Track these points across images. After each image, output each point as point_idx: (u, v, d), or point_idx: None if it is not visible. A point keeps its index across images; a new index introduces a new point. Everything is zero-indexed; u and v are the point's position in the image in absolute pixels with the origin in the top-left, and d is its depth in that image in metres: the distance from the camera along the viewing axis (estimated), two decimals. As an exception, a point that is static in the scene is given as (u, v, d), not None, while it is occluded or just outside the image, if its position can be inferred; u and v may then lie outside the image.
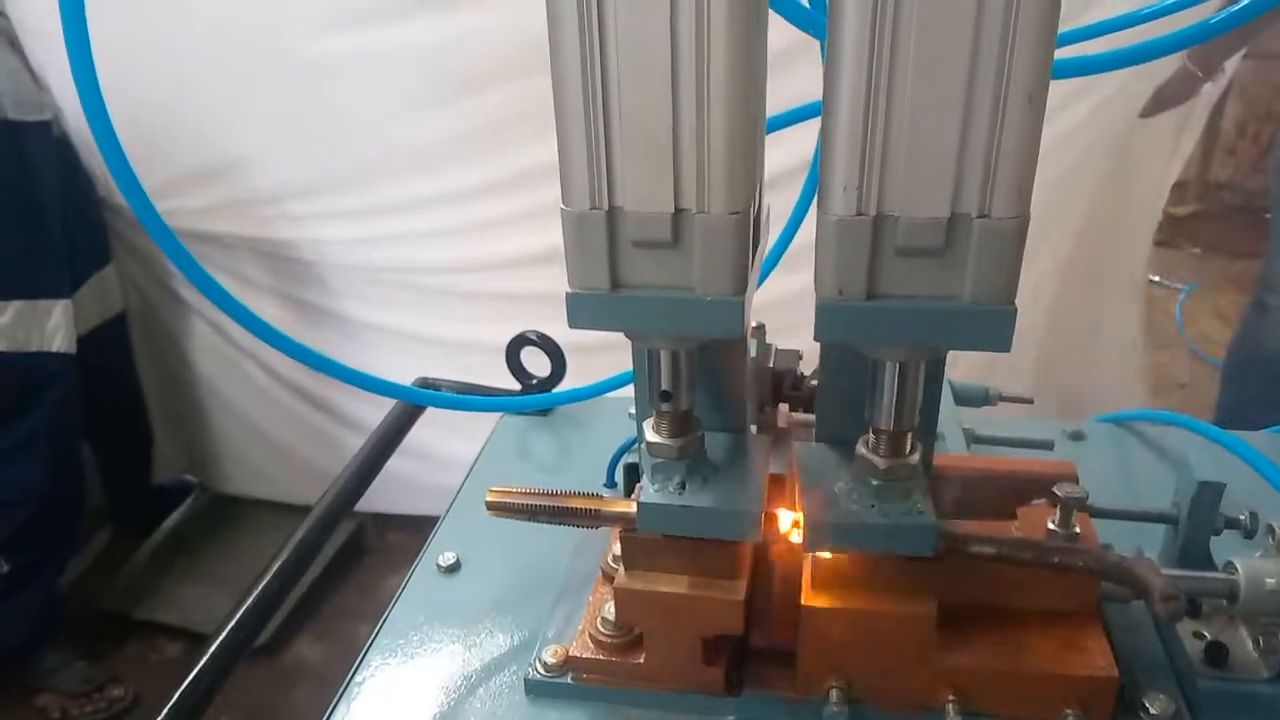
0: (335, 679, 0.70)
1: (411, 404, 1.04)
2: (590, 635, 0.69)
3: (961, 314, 0.50)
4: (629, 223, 0.50)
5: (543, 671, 0.69)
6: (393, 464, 1.07)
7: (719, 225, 0.49)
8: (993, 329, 0.50)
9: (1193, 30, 0.64)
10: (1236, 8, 0.64)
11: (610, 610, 0.68)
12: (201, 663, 0.75)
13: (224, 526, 2.71)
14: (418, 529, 2.63)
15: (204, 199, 2.12)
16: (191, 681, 0.73)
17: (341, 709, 0.71)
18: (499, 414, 1.09)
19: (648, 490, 0.61)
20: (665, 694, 0.67)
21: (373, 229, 2.15)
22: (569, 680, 0.69)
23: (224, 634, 0.78)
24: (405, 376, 1.07)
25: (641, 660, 0.67)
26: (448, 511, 0.92)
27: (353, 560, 2.62)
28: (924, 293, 0.51)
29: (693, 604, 0.63)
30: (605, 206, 0.50)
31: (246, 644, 0.79)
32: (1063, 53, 0.68)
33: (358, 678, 0.74)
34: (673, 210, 0.49)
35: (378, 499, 1.00)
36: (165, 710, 0.70)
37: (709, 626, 0.64)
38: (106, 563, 2.62)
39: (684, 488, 0.60)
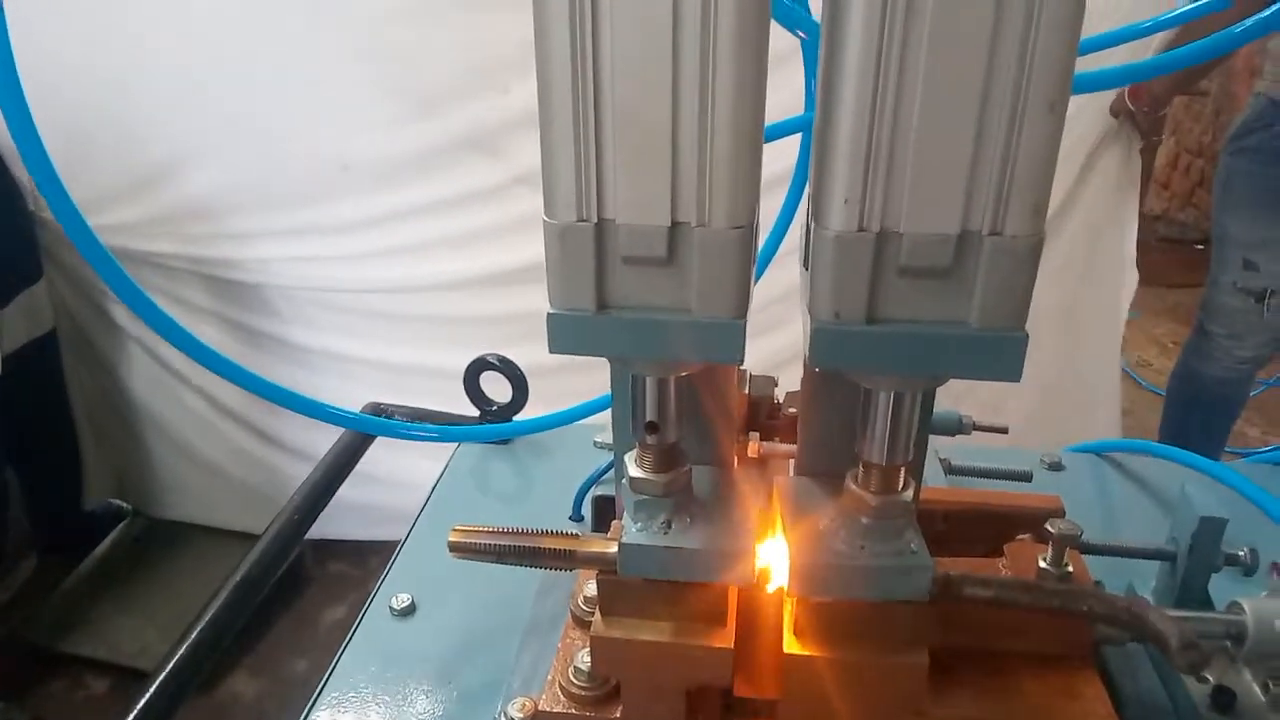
0: (271, 715, 0.65)
1: (358, 434, 0.98)
2: (561, 687, 0.63)
3: (969, 341, 0.46)
4: (620, 237, 0.45)
5: (509, 727, 0.64)
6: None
7: (720, 240, 0.44)
8: (1002, 357, 0.46)
9: (1148, 64, 0.61)
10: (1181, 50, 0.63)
11: (584, 659, 0.63)
12: (141, 704, 0.68)
13: (157, 553, 2.59)
14: (360, 557, 2.56)
15: (139, 211, 2.03)
16: None
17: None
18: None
19: (630, 530, 0.56)
20: (643, 752, 0.62)
21: (317, 248, 2.08)
22: (537, 735, 0.63)
23: (164, 674, 0.71)
24: (353, 402, 1.02)
25: (618, 715, 0.61)
26: (401, 548, 0.86)
27: (291, 590, 2.52)
28: (928, 317, 0.46)
29: (678, 653, 0.58)
30: (594, 219, 0.45)
31: (189, 685, 0.73)
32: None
33: (308, 731, 0.67)
34: (669, 223, 0.44)
35: (317, 524, 0.95)
36: None
37: (694, 677, 0.59)
38: (31, 593, 2.49)
39: (670, 527, 0.56)
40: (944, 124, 0.41)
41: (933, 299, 0.45)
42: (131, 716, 0.67)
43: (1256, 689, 0.66)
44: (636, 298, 0.47)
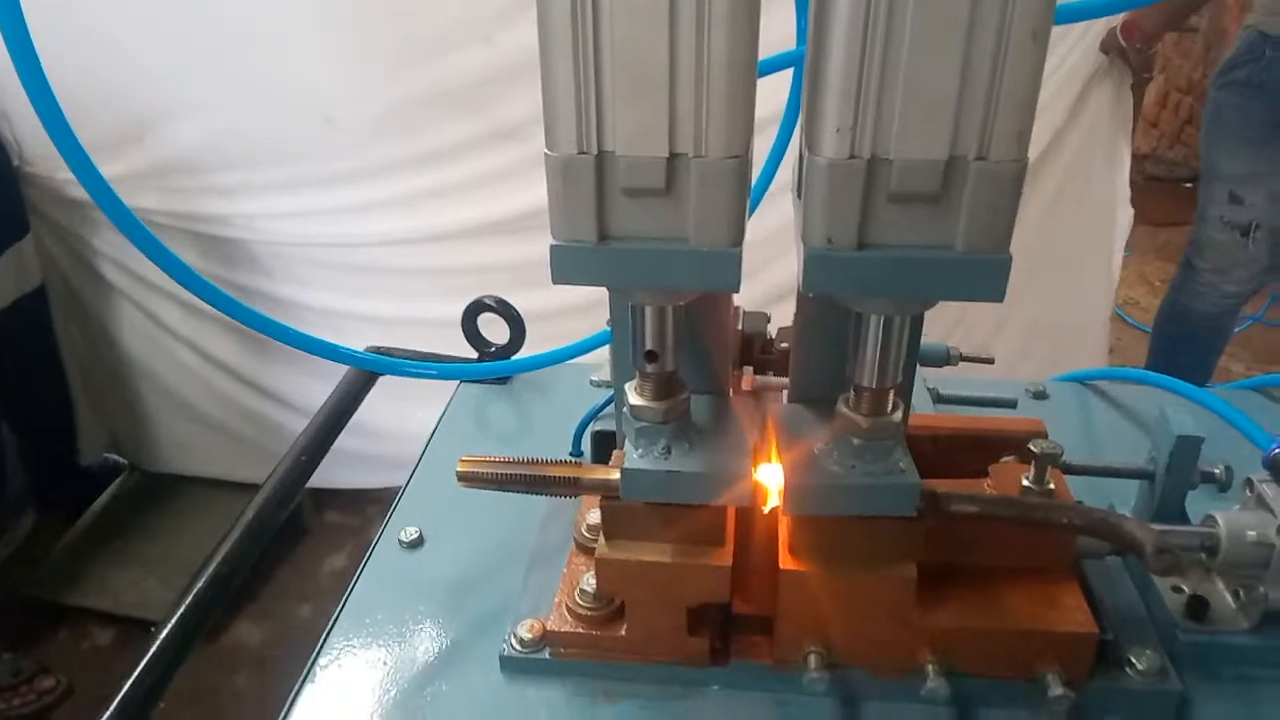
0: (277, 663, 0.66)
1: (364, 373, 0.99)
2: (568, 608, 0.66)
3: (955, 263, 0.48)
4: (620, 168, 0.46)
5: (518, 648, 0.67)
6: (332, 437, 1.02)
7: (717, 170, 0.46)
8: (987, 279, 0.48)
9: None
10: None
11: (589, 582, 0.66)
12: (151, 651, 0.70)
13: (155, 506, 2.62)
14: (358, 506, 2.59)
15: (123, 166, 2.02)
16: (140, 673, 0.68)
17: (305, 695, 0.68)
18: (454, 384, 1.05)
19: (631, 456, 0.58)
20: (648, 666, 0.65)
21: (304, 203, 2.07)
22: (547, 655, 0.66)
23: (175, 618, 0.73)
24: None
25: (623, 632, 0.65)
26: (407, 484, 0.88)
27: (291, 539, 2.55)
28: (917, 241, 0.48)
29: (678, 572, 0.61)
30: (594, 151, 0.46)
31: (198, 632, 0.74)
32: None
33: (320, 661, 0.70)
34: (667, 154, 0.46)
35: (315, 474, 0.97)
36: (113, 706, 0.65)
37: (695, 595, 0.62)
38: (32, 548, 2.51)
39: (670, 452, 0.58)
40: (931, 53, 0.43)
41: (921, 224, 0.47)
42: (142, 665, 0.68)
43: (1228, 597, 0.69)
44: (636, 228, 0.48)
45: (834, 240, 0.48)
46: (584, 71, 0.44)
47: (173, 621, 0.72)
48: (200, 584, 0.76)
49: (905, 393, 0.61)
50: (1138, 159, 4.94)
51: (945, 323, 2.25)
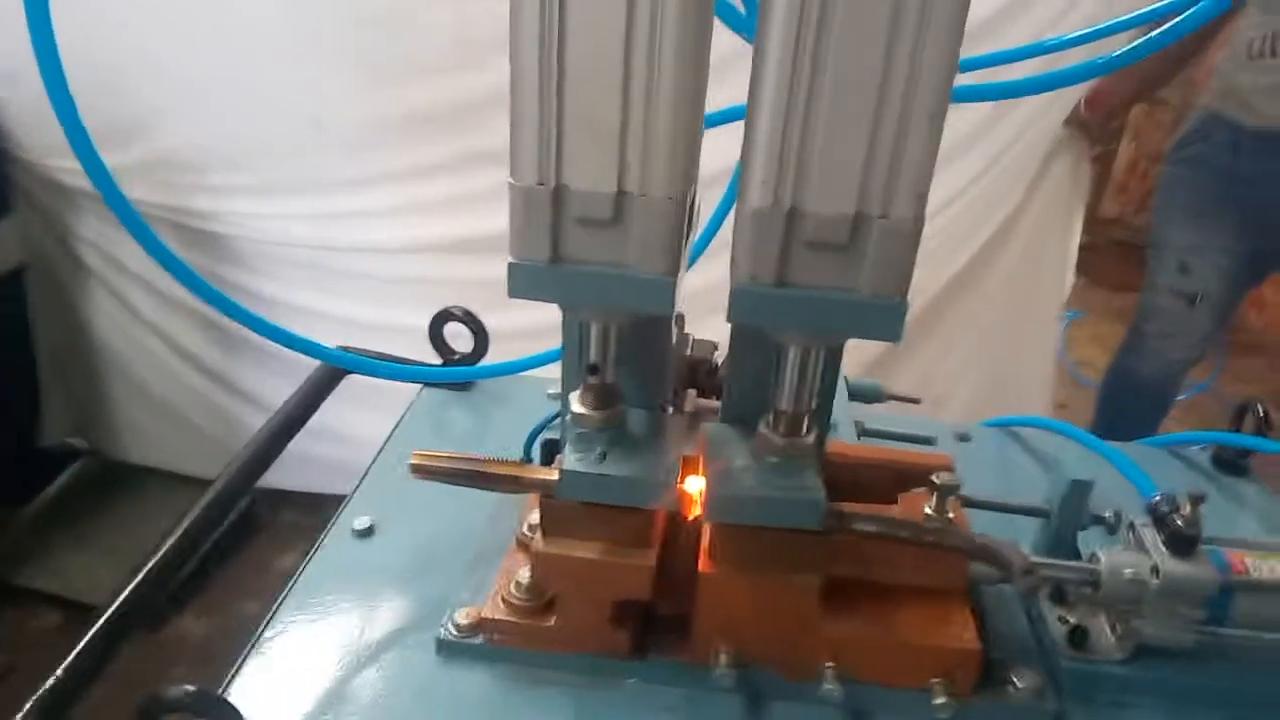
0: (219, 657, 0.69)
1: (330, 371, 1.04)
2: (503, 598, 0.72)
3: (859, 305, 0.56)
4: (574, 200, 0.54)
5: (455, 632, 0.72)
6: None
7: (658, 208, 0.53)
8: (886, 320, 0.56)
9: (1096, 64, 0.70)
10: (1138, 43, 0.71)
11: (524, 574, 0.71)
12: (88, 636, 0.71)
13: (112, 493, 2.63)
14: (314, 507, 2.61)
15: (115, 159, 2.06)
16: (76, 656, 0.70)
17: (250, 664, 0.72)
18: (415, 389, 1.10)
19: (570, 458, 0.64)
20: (573, 656, 0.71)
21: (290, 205, 2.12)
22: (480, 641, 0.72)
23: (114, 606, 0.75)
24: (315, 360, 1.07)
25: (553, 623, 0.70)
26: (364, 477, 0.94)
27: (244, 537, 2.57)
28: (828, 283, 0.56)
29: (606, 569, 0.66)
30: (552, 183, 0.53)
31: (139, 617, 0.76)
32: (980, 77, 0.74)
33: (267, 633, 0.75)
34: (615, 191, 0.53)
35: (272, 474, 1.01)
36: (47, 684, 0.68)
37: (620, 591, 0.68)
38: (-17, 526, 2.52)
39: (604, 457, 0.64)
40: (844, 125, 0.51)
41: (832, 269, 0.55)
42: (77, 650, 0.70)
43: (1107, 629, 0.76)
44: (585, 253, 0.56)
45: (757, 277, 0.55)
46: (547, 114, 0.52)
47: (110, 610, 0.75)
48: (144, 573, 0.78)
49: (820, 419, 0.67)
50: (1104, 224, 5.09)
51: (911, 375, 2.34)
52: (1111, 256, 4.89)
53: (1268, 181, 2.13)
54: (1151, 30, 0.73)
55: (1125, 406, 2.59)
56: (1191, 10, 0.69)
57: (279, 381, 2.26)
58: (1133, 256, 4.95)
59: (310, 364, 1.04)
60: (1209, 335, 2.41)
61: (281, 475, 2.11)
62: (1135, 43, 0.74)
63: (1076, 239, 2.55)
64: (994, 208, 2.28)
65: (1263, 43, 2.02)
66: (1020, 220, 2.36)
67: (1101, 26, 0.88)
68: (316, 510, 2.65)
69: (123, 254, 2.28)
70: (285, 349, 0.91)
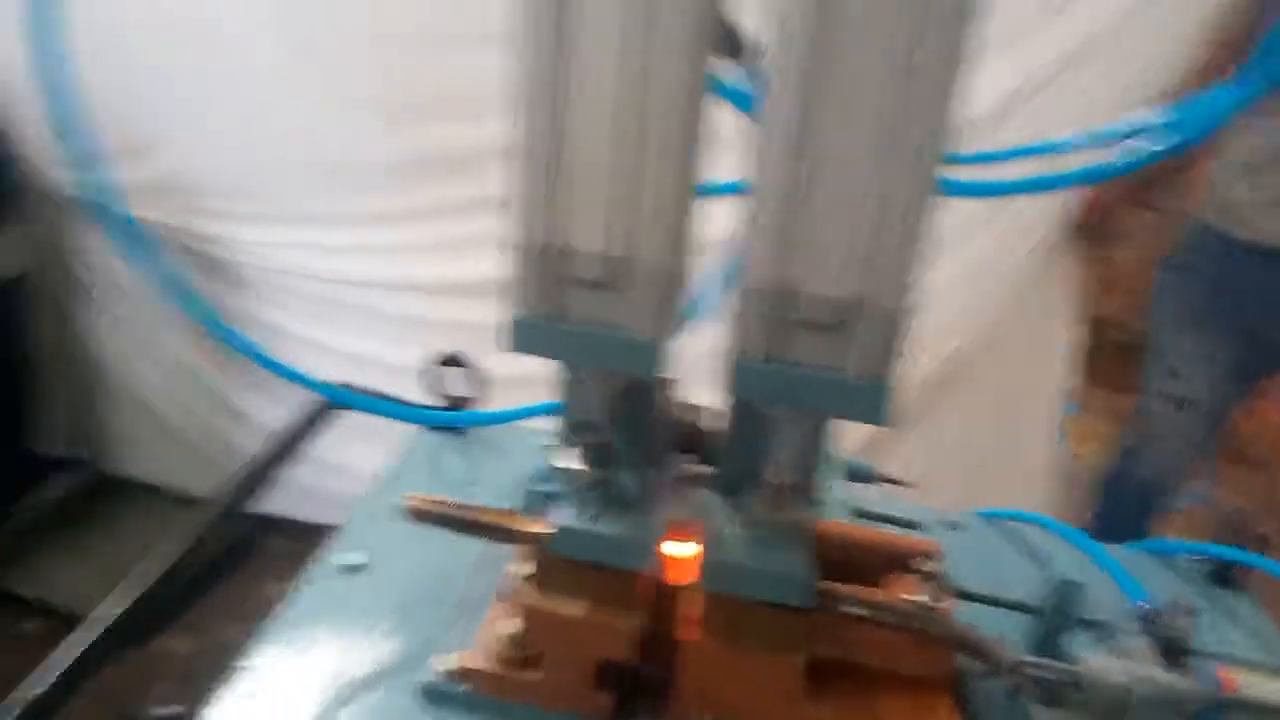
0: (200, 676, 0.68)
1: (326, 405, 1.05)
2: (489, 648, 0.72)
3: (846, 386, 0.57)
4: (575, 262, 0.56)
5: (439, 678, 0.72)
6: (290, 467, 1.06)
7: (654, 274, 0.55)
8: (870, 402, 0.57)
9: (1094, 170, 0.71)
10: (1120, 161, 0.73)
11: (511, 626, 0.71)
12: (80, 651, 0.72)
13: (105, 506, 2.62)
14: (304, 536, 2.58)
15: (127, 176, 2.10)
16: (66, 671, 0.71)
17: (228, 691, 0.72)
18: (413, 428, 1.11)
19: (564, 515, 0.65)
20: (555, 715, 0.70)
21: (296, 236, 2.16)
22: (464, 690, 0.71)
23: (101, 628, 0.76)
24: (312, 387, 1.07)
25: (537, 678, 0.70)
26: (353, 514, 0.94)
27: (236, 560, 2.55)
28: (817, 362, 0.57)
29: (592, 628, 0.67)
30: (555, 244, 0.55)
31: (124, 639, 0.77)
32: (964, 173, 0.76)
33: (247, 662, 0.75)
34: (616, 255, 0.55)
35: (269, 500, 1.01)
36: (36, 695, 0.68)
37: (604, 651, 0.68)
38: (-27, 532, 2.51)
39: (597, 516, 0.65)
40: (839, 215, 0.53)
41: (821, 348, 0.56)
42: (67, 666, 0.73)
43: (1092, 730, 0.75)
44: (585, 313, 0.58)
45: (748, 351, 0.56)
46: (551, 178, 0.54)
47: (101, 627, 0.78)
48: (137, 593, 0.79)
49: (810, 494, 0.68)
50: (1105, 324, 5.11)
51: (912, 458, 2.35)
52: (1112, 357, 4.90)
53: (1255, 294, 2.15)
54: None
55: (1118, 507, 2.58)
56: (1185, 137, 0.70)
57: (276, 405, 2.28)
58: (1133, 358, 4.98)
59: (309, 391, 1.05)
60: (1199, 442, 2.41)
61: (278, 502, 2.10)
62: (1118, 160, 0.76)
63: (1077, 337, 2.56)
64: (991, 300, 2.30)
65: (1253, 155, 2.05)
66: (1020, 315, 2.38)
67: (1099, 132, 0.90)
68: (308, 539, 2.62)
69: (123, 268, 2.30)
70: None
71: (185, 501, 2.55)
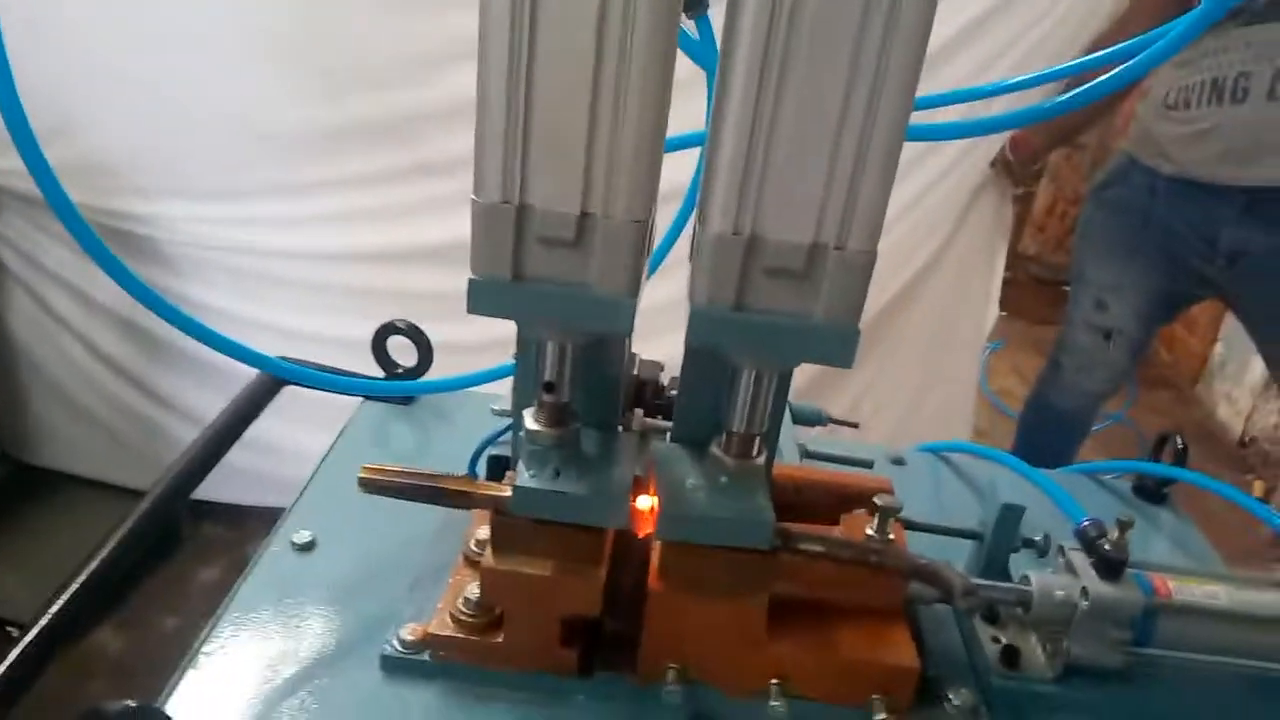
0: (136, 670, 0.66)
1: (269, 381, 1.03)
2: (450, 614, 0.71)
3: (814, 330, 0.57)
4: (536, 220, 0.54)
5: (400, 648, 0.71)
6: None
7: (621, 230, 0.54)
8: (839, 346, 0.58)
9: (1028, 111, 0.73)
10: (1070, 95, 0.75)
11: (472, 590, 0.71)
12: (12, 656, 0.69)
13: (26, 500, 2.52)
14: (238, 520, 2.55)
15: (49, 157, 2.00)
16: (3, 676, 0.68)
17: (188, 678, 0.70)
18: (347, 402, 1.08)
19: (523, 475, 0.64)
20: (521, 674, 0.71)
21: (223, 211, 2.08)
22: (426, 658, 0.71)
23: (37, 629, 0.71)
24: (242, 369, 1.04)
25: (500, 640, 0.70)
26: (303, 491, 0.92)
27: (164, 549, 2.49)
28: (784, 309, 0.57)
29: (555, 585, 0.67)
30: (516, 202, 0.54)
31: (62, 639, 0.73)
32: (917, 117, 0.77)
33: (205, 648, 0.73)
34: (579, 213, 0.54)
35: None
36: None
37: (568, 607, 0.68)
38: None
39: (557, 474, 0.64)
40: (805, 157, 0.52)
41: (788, 295, 0.56)
42: (3, 669, 0.68)
43: (1039, 649, 0.78)
44: (546, 271, 0.56)
45: (715, 300, 0.56)
46: (513, 134, 0.52)
47: (38, 626, 0.72)
48: (73, 588, 0.75)
49: (770, 441, 0.69)
50: (1023, 260, 5.27)
51: (844, 400, 2.40)
52: (1030, 291, 5.06)
53: (1181, 226, 2.23)
54: (1077, 84, 0.76)
55: (1043, 436, 2.67)
56: (1117, 71, 0.72)
57: (201, 391, 2.22)
58: (1050, 292, 5.16)
59: (237, 375, 1.02)
60: (1124, 370, 2.50)
61: (206, 486, 2.04)
62: (1066, 95, 0.78)
63: (1000, 274, 2.64)
64: (922, 241, 2.35)
65: (1177, 95, 2.12)
66: (947, 254, 2.44)
67: (1030, 76, 0.92)
68: (239, 523, 2.59)
69: (43, 254, 2.21)
70: (207, 353, 0.89)
71: (110, 490, 2.48)
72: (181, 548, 2.53)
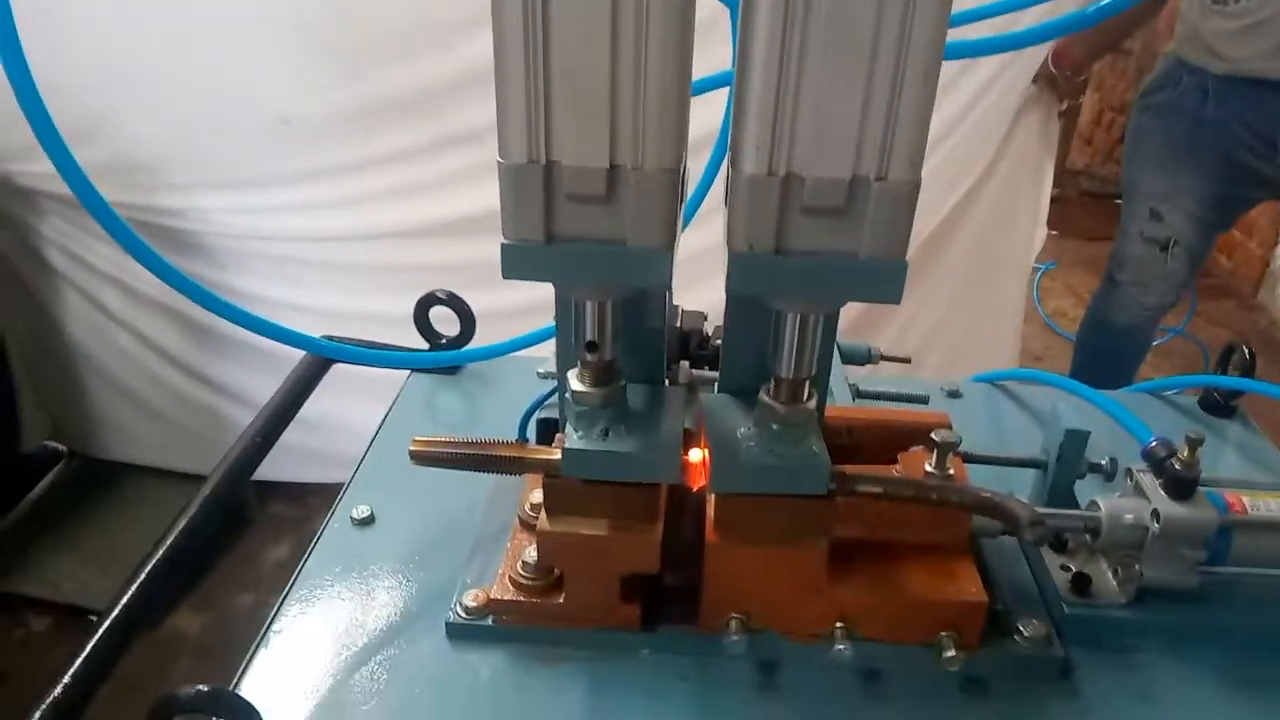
0: (217, 650, 0.68)
1: (317, 361, 1.03)
2: (510, 578, 0.72)
3: (859, 268, 0.55)
4: (565, 177, 0.53)
5: (463, 615, 0.72)
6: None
7: (652, 181, 0.52)
8: (886, 282, 0.56)
9: (1069, 19, 0.70)
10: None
11: (530, 554, 0.71)
12: (93, 641, 0.70)
13: (95, 494, 2.60)
14: (302, 498, 2.61)
15: (80, 157, 2.02)
16: (84, 661, 0.69)
17: (259, 659, 0.72)
18: (402, 376, 1.09)
19: (572, 437, 0.64)
20: (583, 632, 0.71)
21: (259, 199, 2.09)
22: (489, 623, 0.72)
23: (118, 609, 0.73)
24: (293, 351, 1.05)
25: (561, 600, 0.70)
26: (359, 467, 0.93)
27: (233, 530, 2.56)
28: (826, 248, 0.55)
29: (612, 544, 0.67)
30: (542, 160, 0.52)
31: (142, 620, 0.75)
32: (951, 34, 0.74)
33: (275, 627, 0.75)
34: (608, 166, 0.52)
35: (260, 465, 1.01)
36: (55, 692, 0.67)
37: (627, 565, 0.68)
38: (-31, 535, 2.49)
39: (607, 434, 0.64)
40: (837, 88, 0.50)
41: (830, 233, 0.54)
42: (82, 657, 0.69)
43: (1109, 575, 0.77)
44: (579, 230, 0.55)
45: (754, 245, 0.54)
46: (535, 89, 0.50)
47: (115, 612, 0.74)
48: (146, 572, 0.77)
49: (820, 384, 0.67)
50: (1072, 175, 5.12)
51: (890, 334, 2.36)
52: (1080, 207, 4.93)
53: (1236, 125, 2.15)
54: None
55: (1102, 355, 2.62)
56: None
57: (253, 374, 2.25)
58: (1101, 206, 5.01)
59: (285, 357, 1.03)
60: (1182, 281, 2.43)
61: (267, 467, 2.08)
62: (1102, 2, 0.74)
63: (1048, 192, 2.56)
64: (965, 165, 2.29)
65: None
66: (992, 176, 2.38)
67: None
68: (306, 499, 2.65)
69: (90, 254, 2.24)
70: (258, 339, 0.90)
71: (174, 478, 2.54)
72: (250, 528, 2.60)
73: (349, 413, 1.64)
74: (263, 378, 1.05)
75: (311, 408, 1.07)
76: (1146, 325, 2.55)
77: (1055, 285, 4.12)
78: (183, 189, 2.07)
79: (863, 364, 0.99)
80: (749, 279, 0.56)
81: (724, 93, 0.89)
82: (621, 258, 0.55)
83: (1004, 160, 2.36)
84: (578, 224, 0.54)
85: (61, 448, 2.71)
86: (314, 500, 2.66)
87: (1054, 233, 4.31)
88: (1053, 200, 2.69)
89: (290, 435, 1.04)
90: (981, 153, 2.30)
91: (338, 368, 1.05)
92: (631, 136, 0.51)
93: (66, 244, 2.24)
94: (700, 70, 0.71)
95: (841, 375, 0.95)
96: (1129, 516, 0.73)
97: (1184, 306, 3.22)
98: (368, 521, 0.85)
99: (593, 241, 0.55)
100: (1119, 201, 2.50)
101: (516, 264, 0.55)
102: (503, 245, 0.55)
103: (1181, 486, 0.72)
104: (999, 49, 0.77)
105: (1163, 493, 0.73)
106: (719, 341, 0.88)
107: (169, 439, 2.52)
